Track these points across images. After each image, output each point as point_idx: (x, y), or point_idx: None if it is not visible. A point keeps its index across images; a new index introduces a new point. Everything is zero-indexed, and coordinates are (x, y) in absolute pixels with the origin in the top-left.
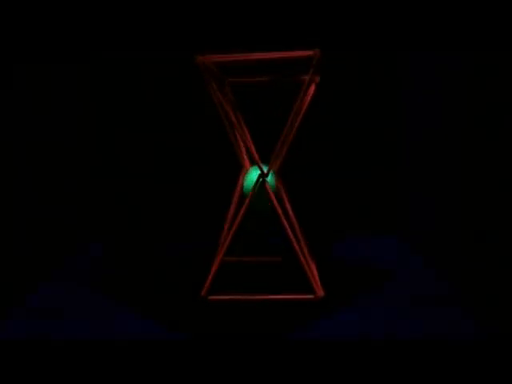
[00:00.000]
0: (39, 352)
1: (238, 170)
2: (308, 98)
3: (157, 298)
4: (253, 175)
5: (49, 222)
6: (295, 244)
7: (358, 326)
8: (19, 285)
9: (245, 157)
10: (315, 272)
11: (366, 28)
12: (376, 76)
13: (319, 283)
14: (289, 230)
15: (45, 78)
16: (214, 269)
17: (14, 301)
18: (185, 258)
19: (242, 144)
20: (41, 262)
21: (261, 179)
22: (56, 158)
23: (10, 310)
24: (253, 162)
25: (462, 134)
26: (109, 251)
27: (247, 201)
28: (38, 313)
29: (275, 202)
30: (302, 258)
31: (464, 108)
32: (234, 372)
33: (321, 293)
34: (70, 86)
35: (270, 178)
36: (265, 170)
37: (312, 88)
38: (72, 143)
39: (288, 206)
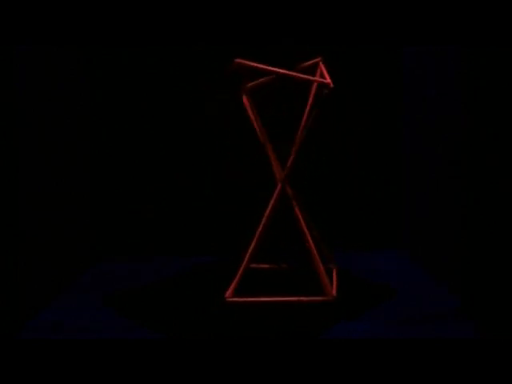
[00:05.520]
0: (50, 365)
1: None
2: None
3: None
4: None
5: (61, 238)
6: (313, 249)
7: (361, 329)
8: (32, 300)
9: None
10: (325, 275)
11: (366, 25)
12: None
13: (330, 285)
14: (308, 236)
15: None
16: (239, 273)
17: (27, 315)
18: (201, 269)
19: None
20: (54, 277)
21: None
22: (71, 175)
23: (23, 325)
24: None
25: (461, 146)
26: (126, 261)
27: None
28: (50, 327)
29: (297, 210)
30: (317, 262)
31: (465, 125)
32: (252, 370)
33: (333, 293)
34: (81, 105)
35: None
36: None
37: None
38: (85, 159)
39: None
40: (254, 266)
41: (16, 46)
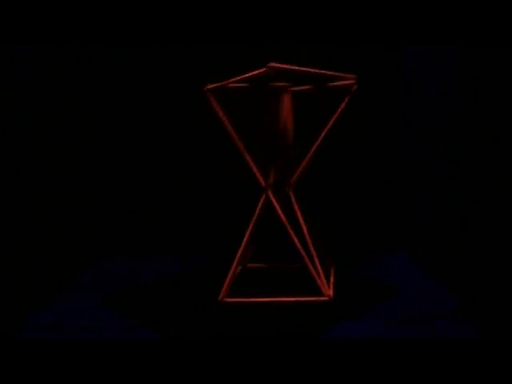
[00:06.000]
0: (50, 365)
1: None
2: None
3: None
4: None
5: (61, 238)
6: (301, 249)
7: (361, 329)
8: (32, 300)
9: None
10: (323, 274)
11: (365, 24)
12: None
13: (326, 284)
14: (294, 237)
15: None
16: (230, 274)
17: (27, 315)
18: (199, 269)
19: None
20: (54, 277)
21: None
22: (71, 175)
23: (23, 325)
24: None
25: (461, 146)
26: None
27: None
28: (50, 327)
29: (280, 212)
30: (308, 262)
31: (465, 125)
32: (249, 372)
33: (329, 293)
34: (81, 107)
35: None
36: None
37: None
38: (85, 159)
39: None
40: (251, 265)
41: (16, 45)
